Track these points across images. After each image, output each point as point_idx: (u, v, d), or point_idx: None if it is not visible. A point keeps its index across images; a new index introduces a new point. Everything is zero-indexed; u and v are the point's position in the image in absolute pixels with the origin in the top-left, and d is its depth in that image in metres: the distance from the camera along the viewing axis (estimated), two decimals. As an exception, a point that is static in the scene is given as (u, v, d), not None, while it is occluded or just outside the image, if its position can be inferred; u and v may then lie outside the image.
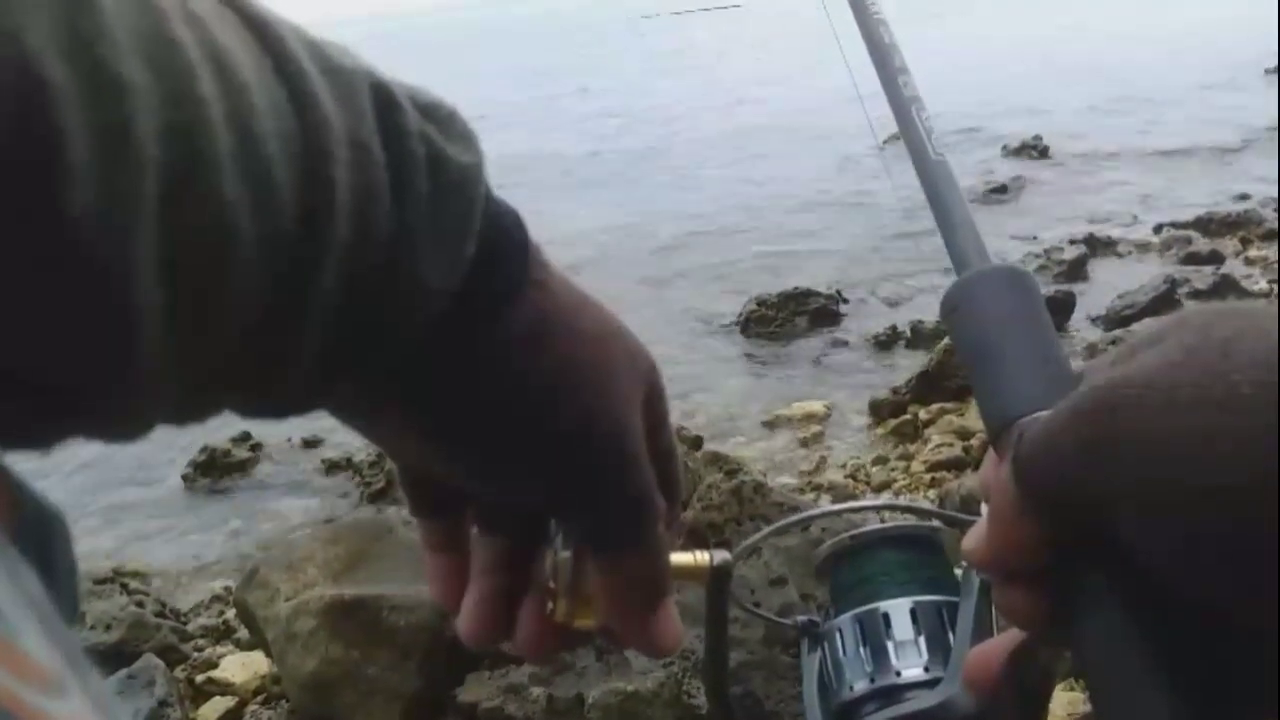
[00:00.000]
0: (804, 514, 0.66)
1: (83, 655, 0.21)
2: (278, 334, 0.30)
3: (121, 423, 0.28)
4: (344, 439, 3.86)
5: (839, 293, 5.02)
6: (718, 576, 0.45)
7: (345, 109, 0.30)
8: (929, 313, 4.48)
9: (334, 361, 0.32)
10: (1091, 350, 3.70)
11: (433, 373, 0.35)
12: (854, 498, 3.14)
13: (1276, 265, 4.79)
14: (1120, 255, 5.35)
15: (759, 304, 4.86)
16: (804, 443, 3.73)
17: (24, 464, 0.26)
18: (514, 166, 7.75)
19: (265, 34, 0.29)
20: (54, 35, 0.22)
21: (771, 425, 3.89)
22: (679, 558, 0.43)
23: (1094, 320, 4.46)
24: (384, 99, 0.32)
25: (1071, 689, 1.65)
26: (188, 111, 0.25)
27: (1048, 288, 4.48)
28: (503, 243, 0.36)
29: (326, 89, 0.30)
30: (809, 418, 3.88)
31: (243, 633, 2.63)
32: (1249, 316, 0.31)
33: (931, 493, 3.11)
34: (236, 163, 0.27)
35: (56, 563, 0.25)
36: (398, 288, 0.32)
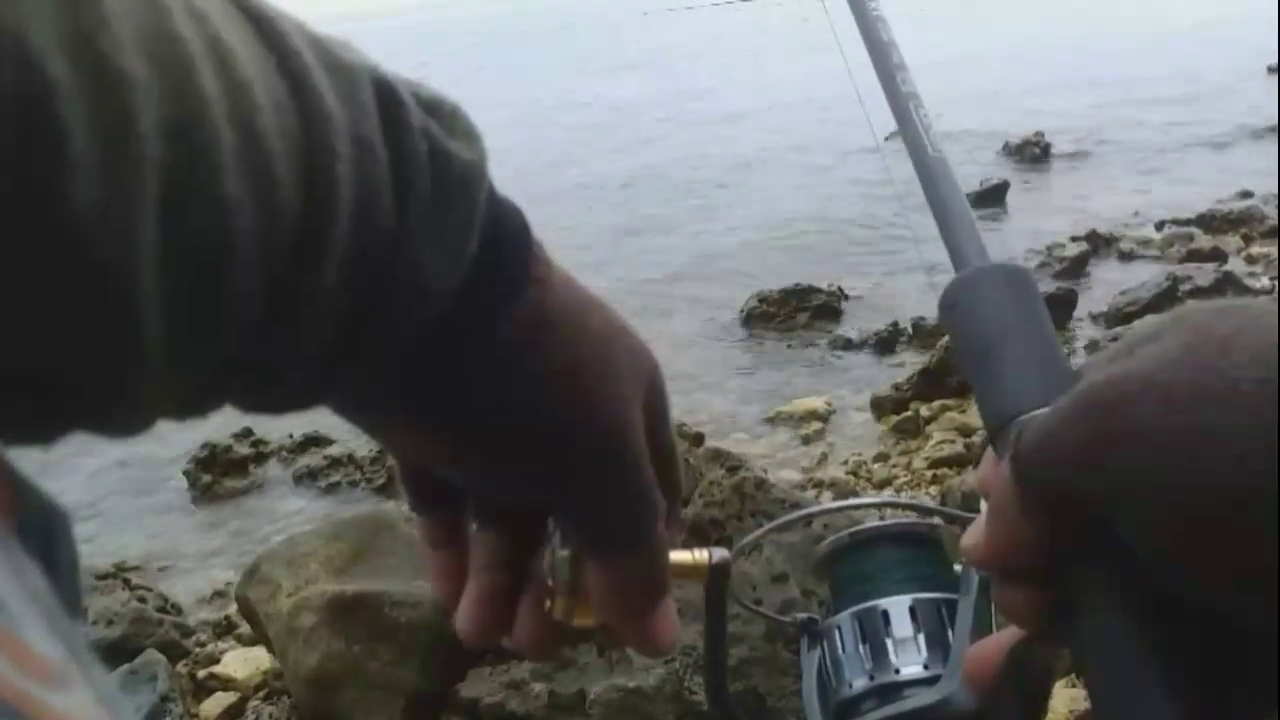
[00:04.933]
0: (803, 511, 0.66)
1: (87, 649, 0.21)
2: (277, 332, 0.30)
3: (122, 419, 0.28)
4: (346, 436, 3.87)
5: (840, 289, 5.02)
6: (717, 575, 0.45)
7: (348, 105, 0.30)
8: (930, 310, 4.47)
9: (333, 360, 0.32)
10: (1093, 348, 3.70)
11: (432, 371, 0.35)
12: (855, 494, 3.14)
13: (1278, 263, 4.78)
14: (1122, 252, 5.35)
15: (760, 300, 4.86)
16: (806, 439, 3.74)
17: (28, 461, 0.26)
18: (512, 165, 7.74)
19: (268, 30, 0.29)
20: (57, 30, 0.22)
21: (773, 422, 3.89)
22: (678, 556, 0.43)
23: (1095, 318, 4.46)
24: (387, 95, 0.32)
25: (1073, 685, 1.65)
26: (190, 107, 0.25)
27: (1049, 285, 4.48)
28: (504, 240, 0.36)
29: (329, 85, 0.30)
30: (810, 414, 3.88)
31: (245, 628, 2.64)
32: (1248, 313, 0.31)
33: (933, 489, 3.11)
34: (238, 160, 0.27)
35: (59, 558, 0.25)
36: (398, 286, 0.32)
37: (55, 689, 0.19)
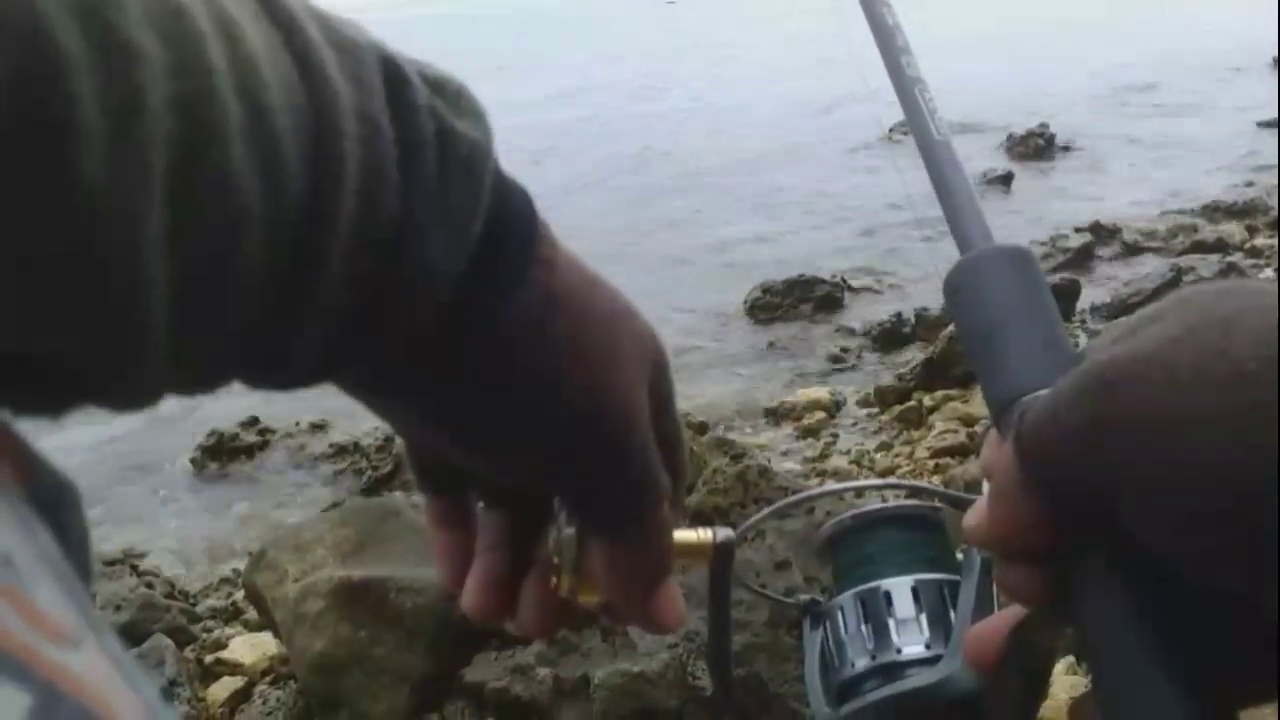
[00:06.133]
0: (805, 493, 0.66)
1: (98, 615, 0.21)
2: (283, 312, 0.30)
3: (129, 394, 0.28)
4: (352, 422, 3.87)
5: (844, 280, 5.01)
6: (721, 554, 0.45)
7: (354, 83, 0.30)
8: (933, 300, 4.46)
9: (337, 346, 0.32)
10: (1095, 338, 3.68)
11: (437, 353, 0.35)
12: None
13: (1278, 251, 4.77)
14: (1126, 243, 5.32)
15: (764, 291, 4.85)
16: (809, 429, 3.73)
17: (38, 444, 0.26)
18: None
19: (275, 6, 0.29)
20: (64, 0, 0.22)
21: (776, 412, 3.89)
22: (682, 535, 0.44)
23: (1099, 308, 4.45)
24: (393, 73, 0.32)
25: (1074, 673, 1.66)
26: (197, 81, 0.25)
27: (1053, 276, 4.46)
28: (510, 221, 0.36)
29: (336, 63, 0.30)
30: (814, 404, 3.88)
31: (251, 614, 2.64)
32: (1250, 294, 0.31)
33: (935, 478, 3.11)
34: (245, 135, 0.27)
35: (70, 530, 0.25)
36: (403, 266, 0.32)
37: (66, 648, 0.19)
